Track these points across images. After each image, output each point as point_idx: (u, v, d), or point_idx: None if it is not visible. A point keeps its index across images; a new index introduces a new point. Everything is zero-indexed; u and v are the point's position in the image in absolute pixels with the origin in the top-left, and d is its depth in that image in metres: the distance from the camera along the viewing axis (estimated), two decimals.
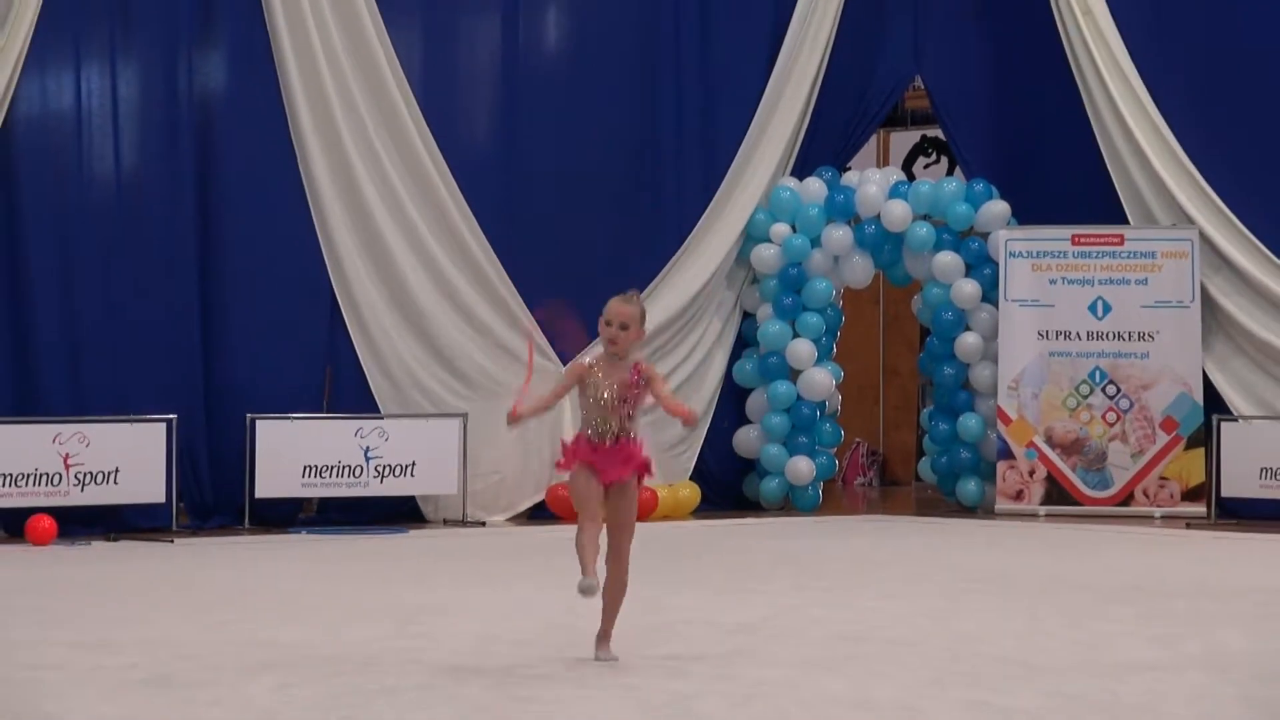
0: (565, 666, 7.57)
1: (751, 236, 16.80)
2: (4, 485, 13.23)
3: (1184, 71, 16.33)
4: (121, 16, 14.07)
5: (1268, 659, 8.17)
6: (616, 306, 7.62)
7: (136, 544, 13.23)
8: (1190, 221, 16.04)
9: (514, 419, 7.89)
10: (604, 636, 7.76)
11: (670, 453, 16.12)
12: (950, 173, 19.05)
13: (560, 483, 15.18)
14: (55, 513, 13.25)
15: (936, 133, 19.65)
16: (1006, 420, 16.20)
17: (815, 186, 16.86)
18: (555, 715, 6.69)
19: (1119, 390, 16.11)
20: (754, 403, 16.95)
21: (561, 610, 9.19)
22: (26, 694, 7.04)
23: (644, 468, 7.63)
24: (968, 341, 16.61)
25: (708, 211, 16.63)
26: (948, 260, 16.55)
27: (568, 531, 8.57)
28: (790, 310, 16.72)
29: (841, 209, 16.77)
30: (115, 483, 13.57)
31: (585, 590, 7.32)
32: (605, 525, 7.55)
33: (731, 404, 16.99)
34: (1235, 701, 7.11)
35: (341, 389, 15.01)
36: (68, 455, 13.41)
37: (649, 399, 7.71)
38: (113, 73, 14.07)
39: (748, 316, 17.11)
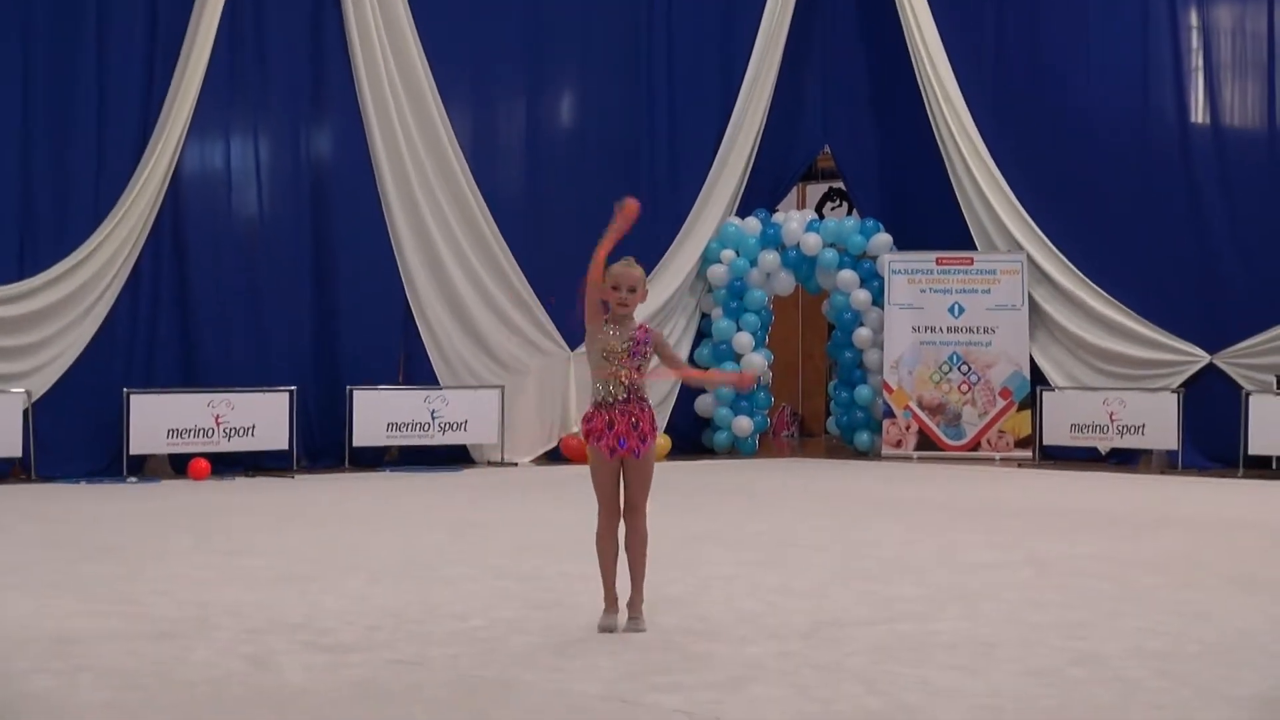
0: (574, 565, 7.58)
1: (707, 259, 16.78)
2: (172, 437, 13.20)
3: (1016, 137, 16.26)
4: (261, 99, 13.98)
5: (1076, 560, 8.21)
6: (623, 271, 6.16)
7: (267, 479, 13.23)
8: (1021, 248, 16.05)
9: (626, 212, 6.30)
10: (633, 605, 6.09)
11: None
12: (850, 213, 19.01)
13: (569, 434, 15.19)
14: (209, 457, 13.24)
15: (839, 185, 19.64)
16: (889, 390, 16.21)
17: (753, 223, 16.84)
18: (563, 597, 6.69)
19: (970, 368, 16.12)
20: None
21: (576, 524, 9.17)
22: (189, 587, 7.05)
23: (651, 435, 6.12)
24: (862, 334, 16.61)
25: (675, 240, 16.59)
26: (848, 276, 16.54)
27: (575, 470, 8.48)
28: (735, 312, 16.71)
29: (772, 239, 16.75)
30: (253, 435, 13.52)
31: (606, 629, 6.00)
32: (623, 485, 6.13)
33: None
34: (1053, 589, 7.15)
35: (413, 368, 14.98)
36: (219, 415, 13.37)
37: (668, 371, 6.36)
38: (255, 141, 13.99)
39: (705, 316, 17.08)
